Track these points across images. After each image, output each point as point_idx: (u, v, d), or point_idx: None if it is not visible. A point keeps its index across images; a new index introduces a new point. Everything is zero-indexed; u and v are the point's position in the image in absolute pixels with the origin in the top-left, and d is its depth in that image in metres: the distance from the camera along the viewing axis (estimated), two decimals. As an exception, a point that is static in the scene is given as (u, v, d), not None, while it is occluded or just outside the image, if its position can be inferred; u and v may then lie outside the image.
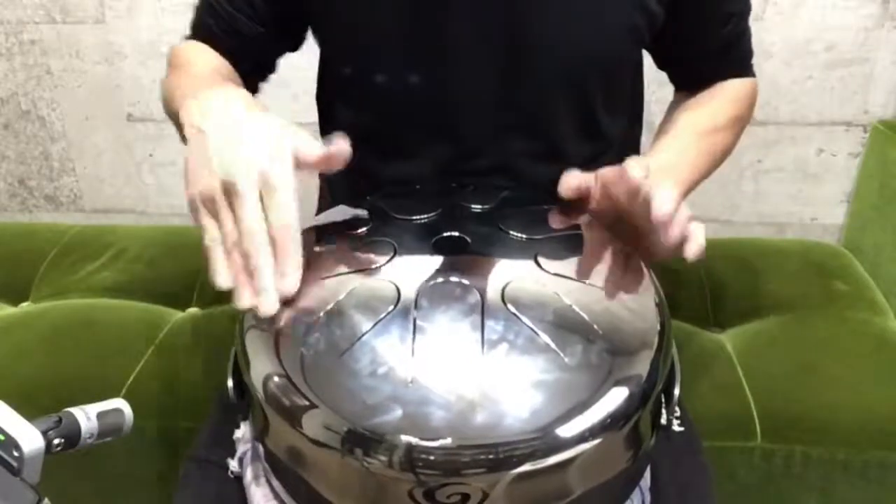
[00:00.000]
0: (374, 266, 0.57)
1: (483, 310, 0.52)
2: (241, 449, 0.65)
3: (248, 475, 0.62)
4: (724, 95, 0.78)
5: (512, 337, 0.50)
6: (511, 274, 0.56)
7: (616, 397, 0.48)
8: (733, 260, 1.21)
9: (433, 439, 0.45)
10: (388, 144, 0.78)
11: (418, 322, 0.51)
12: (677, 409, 0.54)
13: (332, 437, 0.46)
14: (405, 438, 0.45)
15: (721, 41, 0.77)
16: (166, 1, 1.33)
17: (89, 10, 1.36)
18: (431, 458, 0.45)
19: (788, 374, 0.99)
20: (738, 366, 1.01)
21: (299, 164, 0.51)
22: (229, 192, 0.50)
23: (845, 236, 1.39)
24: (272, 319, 0.52)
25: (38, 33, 1.39)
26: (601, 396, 0.47)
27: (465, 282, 0.55)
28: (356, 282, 0.56)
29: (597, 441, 0.47)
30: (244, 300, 0.50)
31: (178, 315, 1.17)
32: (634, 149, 0.85)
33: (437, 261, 0.58)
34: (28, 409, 0.43)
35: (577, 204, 0.63)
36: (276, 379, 0.50)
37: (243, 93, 0.58)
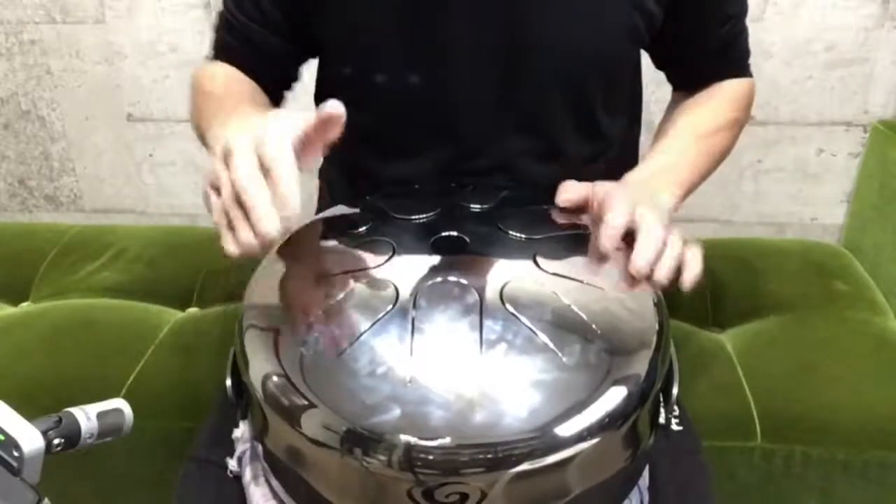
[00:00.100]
0: (372, 266, 0.57)
1: (482, 309, 0.52)
2: (239, 448, 0.65)
3: (247, 475, 0.62)
4: (723, 96, 0.78)
5: (510, 337, 0.50)
6: (510, 273, 0.56)
7: (614, 397, 0.48)
8: (733, 260, 1.21)
9: (432, 439, 0.45)
10: (387, 144, 0.78)
11: (417, 322, 0.51)
12: (676, 408, 0.54)
13: (331, 437, 0.47)
14: (404, 438, 0.45)
15: (719, 41, 0.77)
16: (166, 1, 1.33)
17: (89, 10, 1.36)
18: (430, 457, 0.45)
19: (788, 374, 0.99)
20: (738, 366, 1.01)
21: (305, 140, 0.52)
22: (227, 157, 0.50)
23: (845, 236, 1.39)
24: (272, 319, 0.52)
25: (38, 33, 1.39)
26: (599, 396, 0.47)
27: (464, 281, 0.55)
28: (355, 281, 0.56)
29: (595, 440, 0.47)
30: (228, 244, 0.48)
31: (178, 315, 1.17)
32: (634, 148, 0.86)
33: (435, 260, 0.58)
34: (28, 409, 0.43)
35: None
36: (275, 378, 0.50)
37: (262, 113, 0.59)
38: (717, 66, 0.79)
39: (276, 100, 0.80)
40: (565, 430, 0.46)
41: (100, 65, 1.41)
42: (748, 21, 0.78)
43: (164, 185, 1.51)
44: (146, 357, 1.04)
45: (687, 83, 0.82)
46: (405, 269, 0.57)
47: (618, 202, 0.58)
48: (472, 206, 0.66)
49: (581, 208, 0.64)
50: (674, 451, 0.69)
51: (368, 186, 0.77)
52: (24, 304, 1.22)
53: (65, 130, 1.49)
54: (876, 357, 1.02)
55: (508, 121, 0.74)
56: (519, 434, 0.45)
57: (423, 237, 0.61)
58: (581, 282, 0.56)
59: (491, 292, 0.54)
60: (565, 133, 0.76)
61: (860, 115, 1.30)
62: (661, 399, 0.53)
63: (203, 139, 0.67)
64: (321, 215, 0.67)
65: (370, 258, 0.58)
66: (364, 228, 0.63)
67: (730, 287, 1.16)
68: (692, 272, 0.55)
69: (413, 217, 0.64)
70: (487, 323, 0.51)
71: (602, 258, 0.58)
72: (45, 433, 0.43)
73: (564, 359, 0.49)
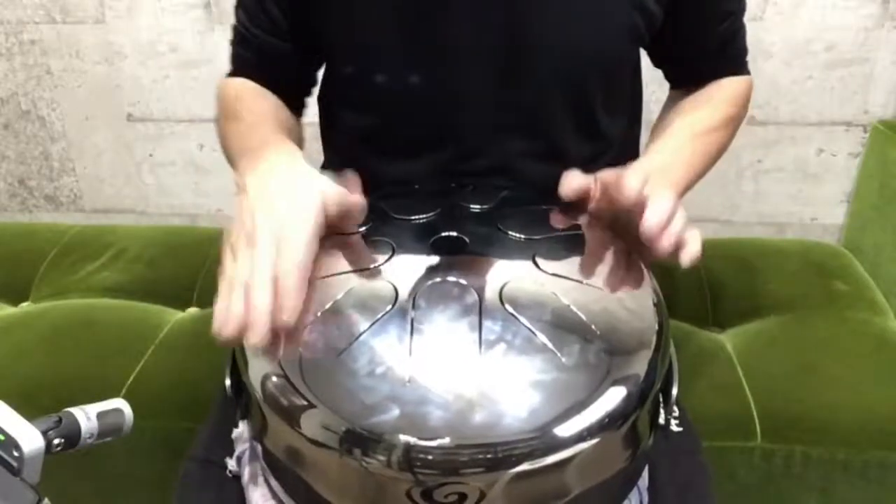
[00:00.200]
0: (372, 266, 0.57)
1: (481, 310, 0.52)
2: (239, 448, 0.65)
3: (247, 475, 0.62)
4: (720, 95, 0.78)
5: (510, 337, 0.50)
6: (509, 274, 0.56)
7: (614, 397, 0.48)
8: (733, 260, 1.21)
9: (431, 439, 0.45)
10: (388, 144, 0.78)
11: (416, 322, 0.51)
12: (675, 408, 0.54)
13: (330, 437, 0.47)
14: (403, 438, 0.45)
15: (718, 39, 0.77)
16: (166, 1, 1.33)
17: (89, 10, 1.36)
18: (429, 457, 0.45)
19: (788, 374, 0.99)
20: (738, 366, 1.01)
21: (328, 210, 0.54)
22: (249, 240, 0.51)
23: (845, 236, 1.39)
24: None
25: (38, 33, 1.39)
26: (599, 396, 0.47)
27: (463, 282, 0.55)
28: (354, 281, 0.56)
29: (594, 441, 0.47)
30: (226, 328, 0.49)
31: (178, 315, 1.17)
32: (634, 148, 0.86)
33: (435, 261, 0.58)
34: (28, 409, 0.43)
35: (576, 204, 0.64)
36: (274, 379, 0.50)
37: (286, 150, 0.62)
38: (716, 64, 0.79)
39: (298, 107, 0.82)
40: (565, 430, 0.46)
41: (100, 65, 1.41)
42: (748, 20, 0.78)
43: (164, 185, 1.51)
44: (146, 357, 1.05)
45: (685, 81, 0.82)
46: (404, 269, 0.57)
47: (631, 172, 0.57)
48: (471, 206, 0.66)
49: (581, 208, 0.64)
50: (674, 451, 0.69)
51: (368, 186, 0.77)
52: (24, 304, 1.22)
53: (65, 130, 1.49)
54: (876, 357, 1.02)
55: (508, 121, 0.74)
56: (518, 434, 0.45)
57: (422, 237, 0.61)
58: (580, 282, 0.56)
59: (490, 292, 0.54)
60: (565, 133, 0.76)
61: (860, 115, 1.30)
62: (661, 399, 0.53)
63: (232, 164, 0.70)
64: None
65: (370, 258, 0.58)
66: (364, 228, 0.63)
67: (730, 287, 1.16)
68: (691, 251, 0.55)
69: (413, 217, 0.64)
70: (487, 323, 0.51)
71: (602, 257, 0.58)
72: (45, 433, 0.43)
73: (564, 359, 0.49)
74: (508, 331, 0.51)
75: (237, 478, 0.65)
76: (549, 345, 0.50)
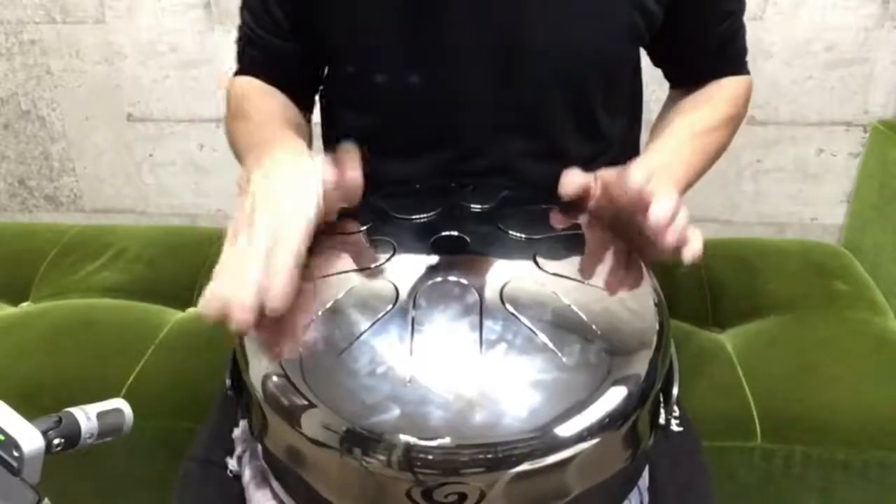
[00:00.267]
0: (373, 265, 0.57)
1: (481, 309, 0.52)
2: (239, 448, 0.65)
3: (247, 475, 0.62)
4: (720, 95, 0.78)
5: (510, 337, 0.50)
6: (510, 273, 0.56)
7: (614, 397, 0.48)
8: (733, 260, 1.21)
9: (431, 439, 0.45)
10: (388, 144, 0.78)
11: (417, 321, 0.51)
12: (676, 408, 0.54)
13: (331, 437, 0.47)
14: (403, 438, 0.45)
15: (718, 39, 0.77)
16: (166, 1, 1.33)
17: (89, 10, 1.36)
18: (430, 457, 0.45)
19: (788, 374, 0.99)
20: (738, 366, 1.01)
21: (329, 201, 0.55)
22: (249, 225, 0.52)
23: (845, 236, 1.39)
24: (271, 319, 0.52)
25: (38, 33, 1.39)
26: (599, 396, 0.47)
27: (464, 281, 0.55)
28: (355, 281, 0.56)
29: (595, 441, 0.47)
30: (209, 306, 0.50)
31: (178, 315, 1.17)
32: (634, 148, 0.85)
33: (435, 260, 0.58)
34: (28, 409, 0.43)
35: (577, 203, 0.63)
36: (274, 378, 0.50)
37: (291, 147, 0.62)
38: (715, 63, 0.79)
39: (306, 105, 0.82)
40: (565, 430, 0.46)
41: (100, 65, 1.41)
42: (748, 20, 0.78)
43: (164, 185, 1.51)
44: (146, 357, 1.05)
45: (685, 80, 0.82)
46: (405, 269, 0.57)
47: (634, 168, 0.58)
48: (472, 205, 0.66)
49: (581, 207, 0.64)
50: (674, 451, 0.69)
51: (368, 186, 0.77)
52: (24, 304, 1.22)
53: (65, 130, 1.49)
54: (876, 357, 1.02)
55: (508, 121, 0.74)
56: (519, 434, 0.45)
57: (423, 237, 0.61)
58: (581, 282, 0.56)
59: (491, 292, 0.54)
60: (565, 133, 0.76)
61: (860, 115, 1.30)
62: (662, 399, 0.53)
63: (240, 161, 0.71)
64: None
65: (370, 258, 0.58)
66: (364, 228, 0.63)
67: (730, 287, 1.16)
68: (693, 248, 0.55)
69: (413, 217, 0.64)
70: (487, 323, 0.51)
71: (602, 257, 0.58)
72: (45, 433, 0.43)
73: (564, 359, 0.49)
74: (509, 330, 0.51)
75: (237, 478, 0.65)
76: (550, 344, 0.50)
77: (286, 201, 0.53)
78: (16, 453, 0.41)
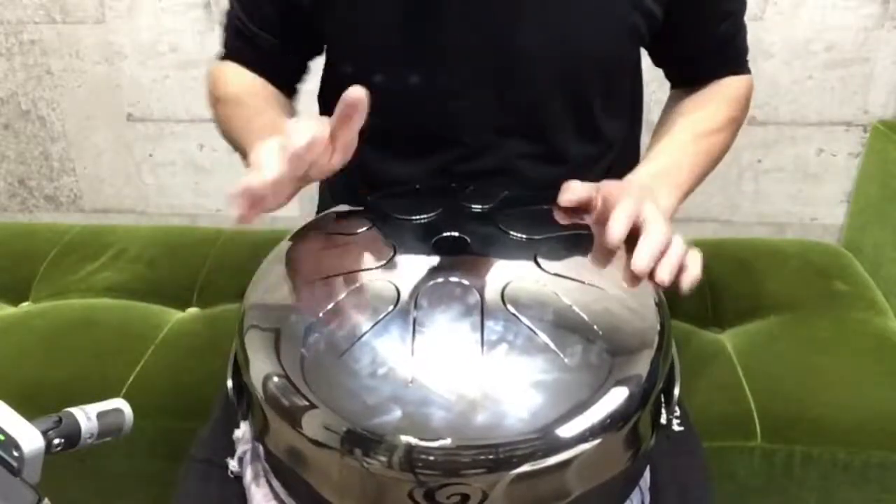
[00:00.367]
0: (373, 266, 0.57)
1: (483, 310, 0.52)
2: (240, 449, 0.65)
3: (248, 475, 0.62)
4: (721, 96, 0.78)
5: (511, 337, 0.50)
6: (511, 274, 0.56)
7: (616, 397, 0.48)
8: (733, 260, 1.21)
9: (433, 440, 0.45)
10: (388, 145, 0.78)
11: (418, 322, 0.51)
12: (677, 408, 0.54)
13: (332, 438, 0.46)
14: (405, 439, 0.45)
15: (718, 39, 0.77)
16: (166, 1, 1.33)
17: (89, 10, 1.36)
18: (431, 458, 0.45)
19: (788, 374, 0.99)
20: (738, 366, 1.01)
21: (337, 128, 0.56)
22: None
23: (845, 236, 1.39)
24: (272, 320, 0.52)
25: (38, 33, 1.39)
26: (601, 397, 0.47)
27: (465, 282, 0.55)
28: (356, 282, 0.56)
29: (596, 441, 0.47)
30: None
31: (178, 315, 1.17)
32: (634, 150, 0.85)
33: (436, 261, 0.58)
34: (28, 409, 0.43)
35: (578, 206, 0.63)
36: (275, 379, 0.50)
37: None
38: (716, 64, 0.79)
39: (290, 94, 0.83)
40: (567, 431, 0.46)
41: (100, 65, 1.41)
42: (748, 20, 0.78)
43: (164, 185, 1.51)
44: (146, 357, 1.05)
45: (685, 81, 0.81)
46: (406, 270, 0.57)
47: (625, 197, 0.58)
48: (472, 206, 0.66)
49: (583, 208, 0.64)
50: (674, 451, 0.69)
51: (368, 186, 0.77)
52: (24, 304, 1.22)
53: (65, 130, 1.49)
54: (876, 357, 1.02)
55: (508, 123, 0.74)
56: (520, 435, 0.45)
57: (424, 238, 0.61)
58: (582, 282, 0.56)
59: (492, 293, 0.54)
60: (565, 134, 0.76)
61: (860, 115, 1.30)
62: (663, 399, 0.53)
63: (234, 144, 0.72)
64: (322, 216, 0.67)
65: (371, 258, 0.58)
66: (365, 229, 0.63)
67: (730, 287, 1.16)
68: (691, 275, 0.55)
69: (414, 217, 0.64)
70: (488, 323, 0.51)
71: (604, 258, 0.58)
72: (45, 433, 0.43)
73: (566, 359, 0.49)
74: (510, 331, 0.51)
75: (238, 478, 0.64)
76: (551, 345, 0.50)
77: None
78: (16, 453, 0.41)
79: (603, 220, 0.61)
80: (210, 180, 1.49)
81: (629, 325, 0.53)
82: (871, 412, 0.94)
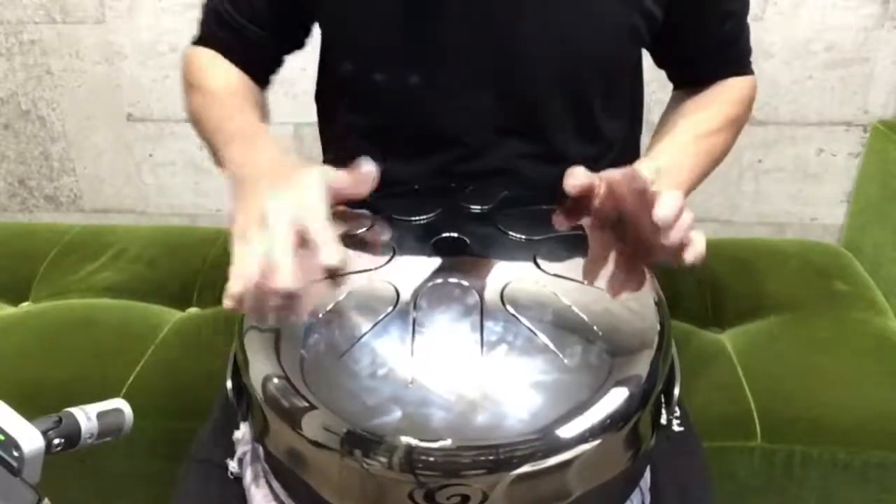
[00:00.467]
0: (373, 267, 0.57)
1: (482, 311, 0.52)
2: (240, 450, 0.65)
3: (248, 476, 0.62)
4: (724, 96, 0.78)
5: (511, 338, 0.50)
6: (510, 275, 0.56)
7: (616, 398, 0.48)
8: (733, 260, 1.21)
9: (433, 440, 0.45)
10: (387, 145, 0.77)
11: (417, 323, 0.51)
12: (677, 409, 0.54)
13: (332, 439, 0.46)
14: (405, 440, 0.45)
15: (720, 40, 0.77)
16: (166, 1, 1.33)
17: (89, 10, 1.36)
18: (431, 459, 0.45)
19: (788, 374, 0.99)
20: (738, 366, 1.01)
21: (335, 196, 0.54)
22: (263, 222, 0.50)
23: (845, 236, 1.39)
24: (271, 319, 0.52)
25: (38, 33, 1.39)
26: (601, 397, 0.47)
27: (464, 283, 0.55)
28: (355, 283, 0.56)
29: (597, 442, 0.47)
30: (231, 290, 0.48)
31: (178, 315, 1.17)
32: (634, 150, 0.85)
33: (436, 262, 0.58)
34: (28, 409, 0.43)
35: (577, 204, 0.63)
36: (275, 380, 0.50)
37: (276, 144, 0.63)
38: (718, 64, 0.79)
39: (263, 84, 0.82)
40: (567, 431, 0.46)
41: (100, 65, 1.41)
42: (748, 20, 0.78)
43: (163, 185, 1.51)
44: (146, 357, 1.05)
45: (687, 82, 0.81)
46: (406, 271, 0.57)
47: (641, 166, 0.57)
48: (472, 206, 0.66)
49: (582, 207, 0.63)
50: (674, 451, 0.69)
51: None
52: (24, 304, 1.22)
53: (65, 130, 1.49)
54: (876, 357, 1.02)
55: (508, 123, 0.74)
56: (520, 436, 0.45)
57: (423, 238, 0.61)
58: (581, 283, 0.56)
59: (491, 293, 0.54)
60: (565, 135, 0.76)
61: (860, 115, 1.30)
62: (663, 400, 0.53)
63: (211, 147, 0.70)
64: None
65: (370, 259, 0.58)
66: (364, 229, 0.63)
67: (730, 287, 1.16)
68: (697, 249, 0.54)
69: (413, 218, 0.64)
70: (488, 324, 0.51)
71: (603, 258, 0.58)
72: (45, 433, 0.43)
73: (566, 360, 0.49)
74: (510, 332, 0.51)
75: (238, 479, 0.64)
76: (551, 346, 0.50)
77: (294, 188, 0.52)
78: (16, 453, 0.41)
79: (606, 205, 0.60)
80: (210, 180, 1.49)
81: (629, 325, 0.53)
82: (871, 412, 0.94)
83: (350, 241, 0.62)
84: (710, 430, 0.90)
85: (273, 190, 0.52)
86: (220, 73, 0.77)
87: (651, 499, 0.63)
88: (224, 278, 0.50)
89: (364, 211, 0.66)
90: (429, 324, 0.52)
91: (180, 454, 0.72)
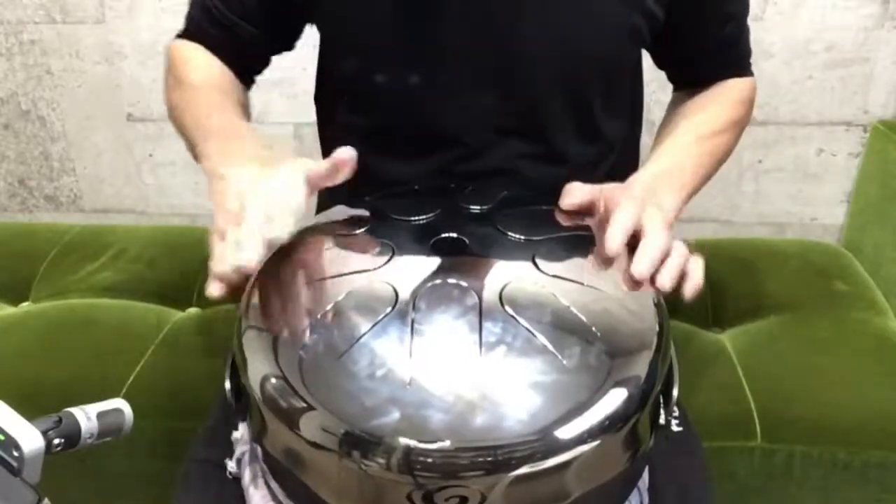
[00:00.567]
0: (372, 267, 0.57)
1: (481, 311, 0.52)
2: (239, 450, 0.65)
3: (247, 476, 0.62)
4: (725, 98, 0.78)
5: (510, 339, 0.50)
6: (509, 275, 0.56)
7: (615, 399, 0.48)
8: (733, 260, 1.21)
9: (431, 442, 0.45)
10: (387, 145, 0.78)
11: (416, 324, 0.51)
12: (676, 409, 0.54)
13: (330, 440, 0.46)
14: (403, 441, 0.45)
15: (720, 41, 0.77)
16: (166, 1, 1.33)
17: (89, 10, 1.36)
18: (430, 460, 0.45)
19: (788, 374, 0.99)
20: (738, 366, 1.01)
21: (314, 186, 0.56)
22: (237, 220, 0.53)
23: (845, 236, 1.39)
24: (270, 321, 0.52)
25: (38, 33, 1.39)
26: (600, 398, 0.47)
27: (463, 283, 0.55)
28: (354, 283, 0.56)
29: (595, 443, 0.47)
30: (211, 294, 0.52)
31: (178, 315, 1.17)
32: (634, 151, 0.85)
33: (435, 262, 0.58)
34: (28, 409, 0.43)
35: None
36: (273, 380, 0.50)
37: (256, 140, 0.63)
38: (719, 66, 0.79)
39: (249, 83, 0.82)
40: (565, 432, 0.46)
41: (100, 65, 1.41)
42: (748, 20, 0.78)
43: (163, 185, 1.51)
44: (146, 357, 1.05)
45: (688, 83, 0.81)
46: (404, 271, 0.57)
47: (626, 201, 0.58)
48: (471, 207, 0.66)
49: (584, 211, 0.64)
50: (674, 451, 0.69)
51: (367, 187, 0.77)
52: (24, 304, 1.22)
53: (65, 130, 1.49)
54: (876, 357, 1.02)
55: (508, 123, 0.74)
56: (519, 437, 0.45)
57: (422, 239, 0.61)
58: (581, 283, 0.56)
59: (490, 294, 0.54)
60: (565, 135, 0.76)
61: (860, 115, 1.30)
62: (662, 400, 0.53)
63: (188, 141, 0.70)
64: (321, 216, 0.67)
65: (369, 260, 0.58)
66: (363, 230, 0.63)
67: (730, 287, 1.16)
68: (694, 282, 0.55)
69: (412, 218, 0.64)
70: (487, 325, 0.51)
71: (603, 260, 0.58)
72: (45, 433, 0.43)
73: (564, 361, 0.49)
74: (508, 332, 0.51)
75: (237, 479, 0.65)
76: (550, 346, 0.49)
77: (272, 182, 0.54)
78: (16, 453, 0.41)
79: (605, 223, 0.61)
80: (210, 180, 1.49)
81: (628, 326, 0.53)
82: (871, 412, 0.94)
83: (349, 241, 0.62)
84: (710, 430, 0.90)
85: (251, 185, 0.54)
86: (202, 67, 0.77)
87: (649, 499, 0.63)
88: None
89: (363, 211, 0.66)
90: (427, 324, 0.52)
91: (180, 454, 0.72)
